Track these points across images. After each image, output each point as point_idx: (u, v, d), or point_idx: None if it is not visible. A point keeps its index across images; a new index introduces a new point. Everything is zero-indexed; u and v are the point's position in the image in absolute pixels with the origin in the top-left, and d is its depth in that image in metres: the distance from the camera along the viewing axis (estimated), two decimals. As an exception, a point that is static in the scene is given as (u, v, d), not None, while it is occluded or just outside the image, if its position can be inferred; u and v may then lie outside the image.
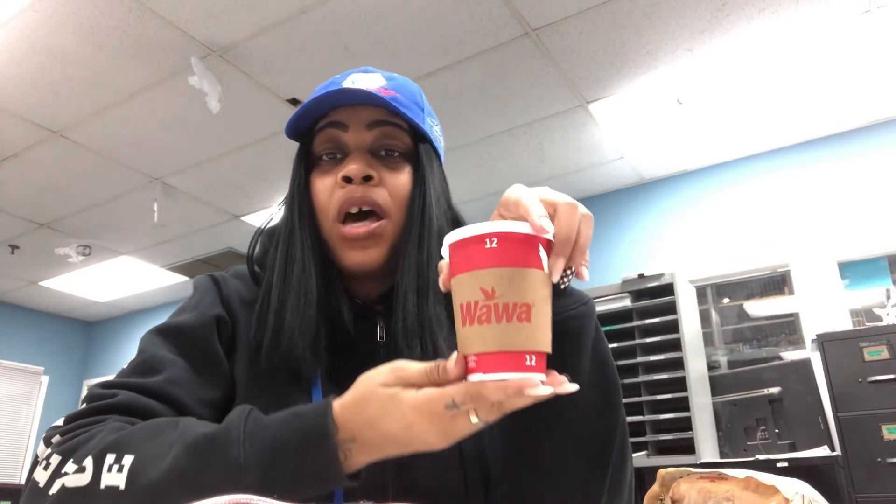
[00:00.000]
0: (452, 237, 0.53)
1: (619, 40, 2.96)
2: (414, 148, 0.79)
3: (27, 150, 3.72)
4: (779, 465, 2.89)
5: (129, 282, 5.76)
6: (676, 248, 4.02)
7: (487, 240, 0.50)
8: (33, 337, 6.46)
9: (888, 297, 3.41)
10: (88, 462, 0.57)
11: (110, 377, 0.70)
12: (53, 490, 0.57)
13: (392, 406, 0.52)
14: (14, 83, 3.16)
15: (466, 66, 3.12)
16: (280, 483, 0.54)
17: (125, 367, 0.71)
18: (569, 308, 0.64)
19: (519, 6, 2.75)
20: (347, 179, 0.74)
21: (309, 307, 0.72)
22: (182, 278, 5.61)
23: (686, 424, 3.23)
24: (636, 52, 3.04)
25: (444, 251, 0.54)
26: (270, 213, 0.85)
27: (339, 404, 0.55)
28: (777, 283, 3.88)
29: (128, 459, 0.56)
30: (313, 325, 0.71)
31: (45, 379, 6.49)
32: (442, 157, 0.85)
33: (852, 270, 3.58)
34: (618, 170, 4.14)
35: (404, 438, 0.53)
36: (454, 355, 0.51)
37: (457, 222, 0.84)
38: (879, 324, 3.21)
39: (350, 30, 2.87)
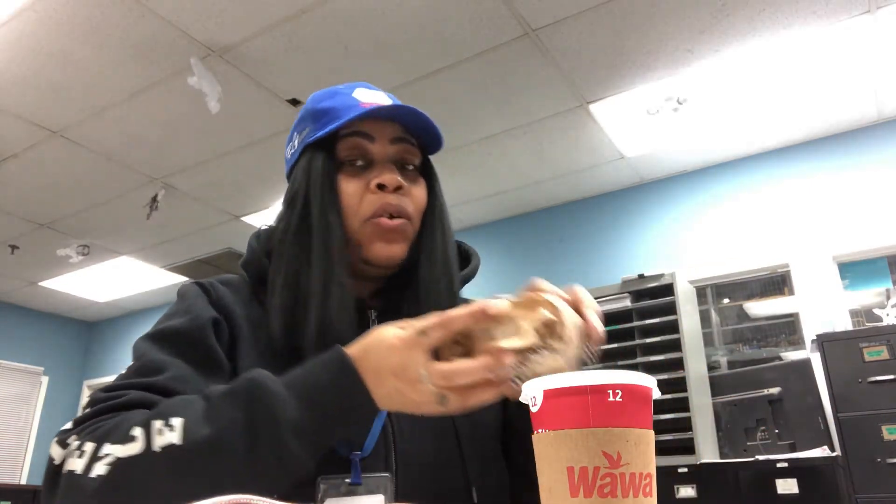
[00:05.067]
0: (555, 382, 0.45)
1: (619, 40, 2.96)
2: (424, 163, 0.88)
3: (27, 150, 3.72)
4: (779, 465, 2.89)
5: (129, 282, 5.76)
6: (676, 248, 4.02)
7: (611, 391, 0.43)
8: (33, 337, 6.45)
9: (888, 298, 3.41)
10: (137, 431, 0.58)
11: (110, 377, 0.70)
12: (99, 471, 0.57)
13: (384, 335, 0.59)
14: (14, 83, 3.16)
15: (466, 66, 3.12)
16: (318, 411, 0.59)
17: (123, 372, 0.70)
18: None
19: (519, 6, 2.75)
20: (381, 187, 0.80)
21: (349, 301, 0.76)
22: (182, 278, 5.61)
23: (686, 425, 3.23)
24: (636, 52, 3.04)
25: (533, 395, 0.47)
26: (272, 214, 0.86)
27: (353, 348, 0.62)
28: (777, 284, 3.88)
29: (177, 421, 0.58)
30: (355, 319, 0.76)
31: (45, 379, 6.49)
32: None
33: (852, 270, 3.58)
34: (618, 170, 4.14)
35: (395, 385, 0.58)
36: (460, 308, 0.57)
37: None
38: (879, 324, 3.21)
39: (350, 30, 2.87)
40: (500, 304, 0.58)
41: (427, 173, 0.88)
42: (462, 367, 0.55)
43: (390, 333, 0.59)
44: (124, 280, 5.71)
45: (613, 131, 3.69)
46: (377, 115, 0.83)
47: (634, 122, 3.59)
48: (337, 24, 2.83)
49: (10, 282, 5.71)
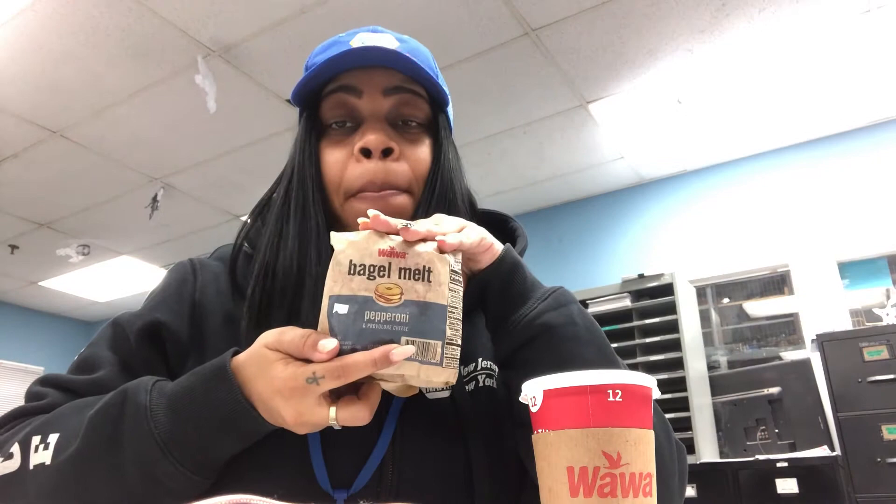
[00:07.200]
0: (555, 382, 0.44)
1: (619, 40, 2.96)
2: (432, 118, 0.73)
3: (27, 150, 3.72)
4: (779, 465, 2.89)
5: (129, 282, 5.75)
6: (676, 248, 4.02)
7: (611, 391, 0.43)
8: (33, 337, 6.45)
9: (888, 297, 3.41)
10: (15, 448, 0.58)
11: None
12: None
13: (266, 369, 0.53)
14: (14, 83, 3.15)
15: (466, 66, 3.12)
16: (190, 423, 0.55)
17: (77, 356, 0.71)
18: (529, 312, 0.62)
19: (519, 6, 2.75)
20: (365, 152, 0.68)
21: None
22: (182, 278, 5.60)
23: (686, 424, 3.23)
24: (636, 52, 3.04)
25: (532, 395, 0.46)
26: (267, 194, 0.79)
27: (237, 357, 0.57)
28: (777, 283, 3.88)
29: (53, 437, 0.57)
30: None
31: (45, 379, 6.49)
32: (452, 127, 0.81)
33: (852, 270, 3.57)
34: (618, 170, 4.14)
35: (268, 404, 0.53)
36: (329, 342, 0.51)
37: (472, 202, 0.80)
38: (879, 324, 3.21)
39: (350, 29, 2.86)
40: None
41: (435, 130, 0.72)
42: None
43: (277, 373, 0.52)
44: (124, 280, 5.70)
45: (613, 131, 3.69)
46: (363, 62, 0.68)
47: (634, 122, 3.59)
48: (337, 24, 2.83)
49: (10, 282, 5.70)
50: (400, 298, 0.52)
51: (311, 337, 0.52)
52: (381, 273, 0.52)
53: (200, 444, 0.55)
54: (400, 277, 0.52)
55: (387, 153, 0.68)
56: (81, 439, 0.56)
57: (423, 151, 0.72)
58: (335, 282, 0.53)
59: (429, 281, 0.53)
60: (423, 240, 0.55)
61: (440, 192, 0.71)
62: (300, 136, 0.73)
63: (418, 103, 0.72)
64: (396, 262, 0.53)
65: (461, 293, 0.56)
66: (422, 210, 0.70)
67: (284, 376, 0.52)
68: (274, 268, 0.68)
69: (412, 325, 0.52)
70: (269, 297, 0.67)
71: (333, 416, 0.52)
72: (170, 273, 0.79)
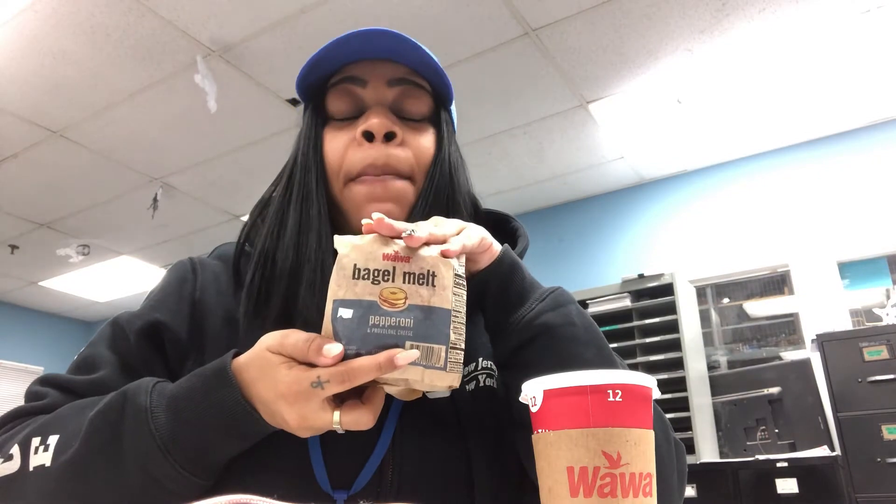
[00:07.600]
0: (555, 382, 0.44)
1: (619, 40, 2.96)
2: (436, 112, 0.74)
3: (27, 150, 3.71)
4: (779, 465, 2.88)
5: (129, 282, 5.75)
6: (676, 248, 4.02)
7: (611, 391, 0.43)
8: (33, 337, 6.45)
9: (888, 297, 3.41)
10: (15, 450, 0.58)
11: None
12: None
13: (269, 372, 0.53)
14: (14, 83, 3.15)
15: (466, 66, 3.12)
16: (190, 425, 0.55)
17: (77, 355, 0.71)
18: (528, 313, 0.62)
19: (519, 6, 2.75)
20: (368, 135, 0.68)
21: (325, 284, 0.65)
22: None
23: (686, 424, 3.23)
24: (636, 52, 3.04)
25: (533, 395, 0.46)
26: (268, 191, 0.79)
27: (238, 358, 0.57)
28: (777, 283, 3.88)
29: (53, 439, 0.57)
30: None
31: (45, 379, 6.48)
32: (455, 127, 0.81)
33: (852, 270, 3.57)
34: (618, 170, 4.14)
35: (271, 407, 0.53)
36: (334, 346, 0.51)
37: (476, 203, 0.80)
38: (879, 324, 3.21)
39: (350, 30, 2.86)
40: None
41: (438, 123, 0.73)
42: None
43: (281, 377, 0.52)
44: (124, 280, 5.70)
45: (613, 131, 3.69)
46: (369, 51, 0.70)
47: (634, 122, 3.59)
48: (337, 24, 2.83)
49: (10, 282, 5.70)
50: (404, 303, 0.52)
51: (315, 341, 0.52)
52: (386, 277, 0.53)
53: (201, 446, 0.55)
54: (404, 282, 0.53)
55: (389, 137, 0.69)
56: (81, 441, 0.56)
57: (427, 140, 0.72)
58: (339, 286, 0.53)
59: (433, 285, 0.53)
60: (426, 243, 0.55)
61: (440, 184, 0.71)
62: (304, 126, 0.74)
63: (422, 96, 0.72)
64: (401, 267, 0.53)
65: (465, 297, 0.56)
66: (421, 201, 0.70)
67: (288, 380, 0.52)
68: (274, 254, 0.69)
69: (417, 329, 0.52)
70: (268, 283, 0.68)
71: (337, 420, 0.52)
72: (169, 272, 0.78)
